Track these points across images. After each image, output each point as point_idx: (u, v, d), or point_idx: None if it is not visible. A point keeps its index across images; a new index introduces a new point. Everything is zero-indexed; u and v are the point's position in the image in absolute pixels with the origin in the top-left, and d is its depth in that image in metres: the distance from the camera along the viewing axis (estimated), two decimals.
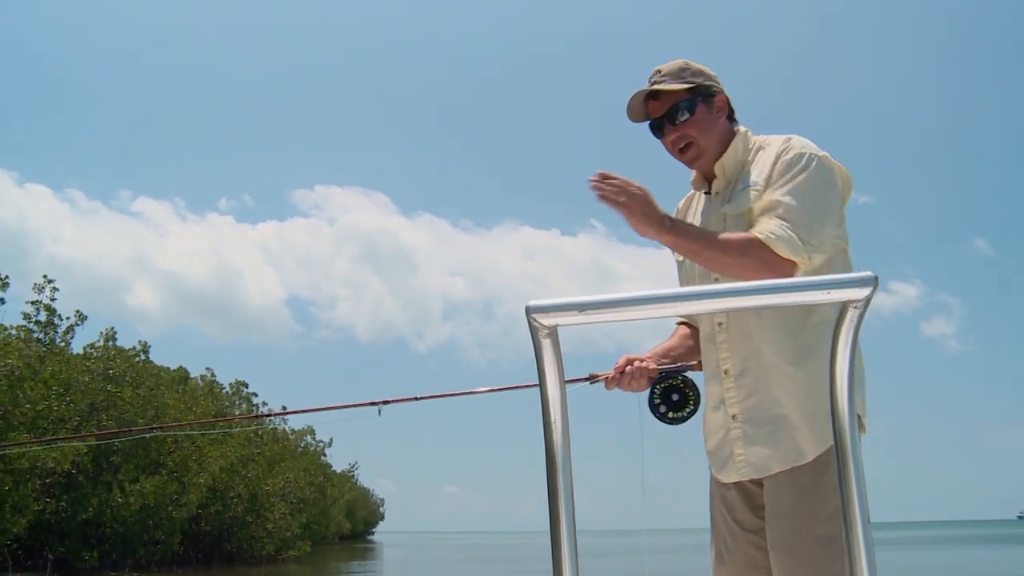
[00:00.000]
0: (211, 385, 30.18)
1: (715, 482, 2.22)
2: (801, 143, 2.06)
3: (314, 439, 41.79)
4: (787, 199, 1.97)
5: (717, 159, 2.15)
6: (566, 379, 0.96)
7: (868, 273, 0.89)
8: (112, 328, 23.58)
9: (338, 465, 53.12)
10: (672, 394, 2.13)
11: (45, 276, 21.12)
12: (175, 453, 22.87)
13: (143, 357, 24.72)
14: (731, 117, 2.19)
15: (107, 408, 20.61)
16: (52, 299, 21.04)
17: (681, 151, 2.16)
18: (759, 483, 2.08)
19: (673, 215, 2.26)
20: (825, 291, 0.91)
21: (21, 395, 17.70)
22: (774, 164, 2.04)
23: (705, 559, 2.31)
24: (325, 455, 44.14)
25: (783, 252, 1.91)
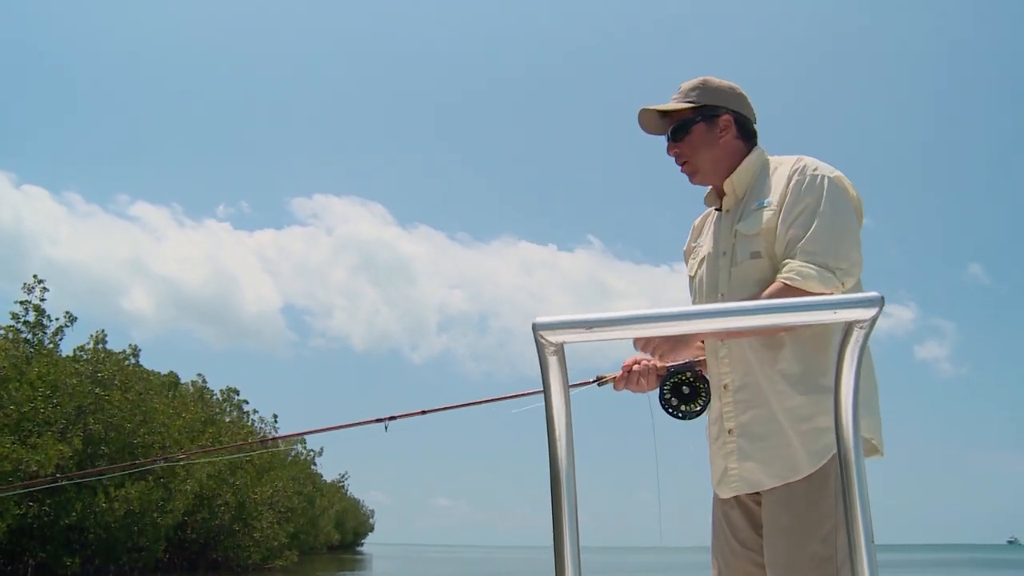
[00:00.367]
0: (201, 391, 29.87)
1: (717, 500, 2.22)
2: (814, 164, 2.06)
3: (305, 448, 41.42)
4: (806, 230, 1.96)
5: (724, 177, 2.18)
6: (572, 383, 0.96)
7: (874, 294, 0.89)
8: (102, 331, 23.32)
9: (328, 475, 52.77)
10: (682, 388, 2.08)
11: (35, 276, 20.80)
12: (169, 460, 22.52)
13: (133, 361, 24.45)
14: (747, 136, 2.20)
15: (95, 411, 20.32)
16: (42, 299, 20.76)
17: (681, 168, 2.22)
18: (759, 501, 2.08)
19: (689, 233, 2.38)
20: (832, 311, 0.91)
21: (6, 396, 17.43)
22: (787, 184, 2.04)
23: None
24: (316, 464, 43.79)
25: (816, 289, 1.90)
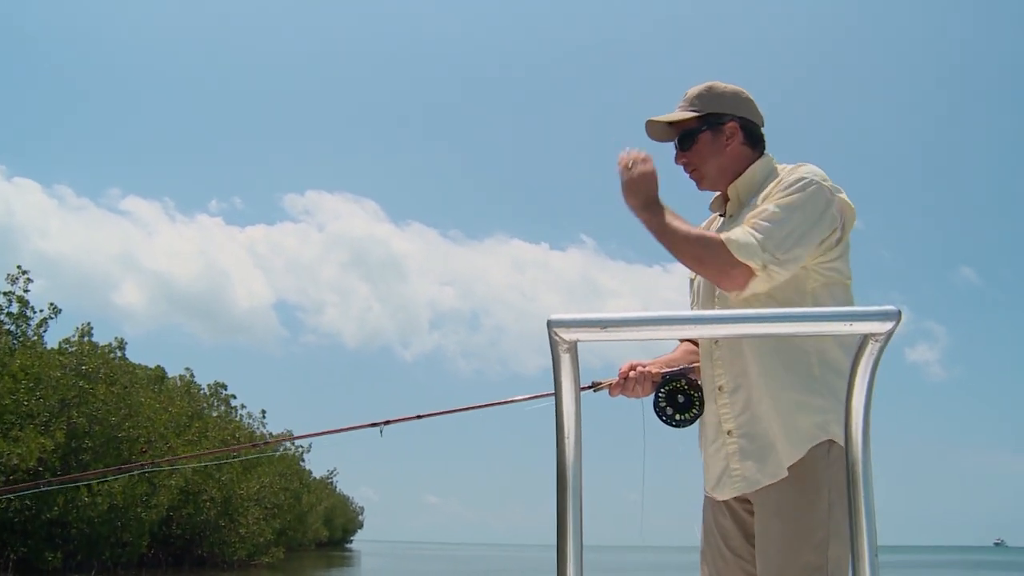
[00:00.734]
0: (188, 385, 29.62)
1: (709, 507, 2.22)
2: (809, 169, 2.08)
3: (292, 444, 41.16)
4: (767, 212, 2.00)
5: (729, 183, 2.21)
6: None
7: (891, 307, 0.89)
8: (88, 323, 23.08)
9: (317, 471, 52.53)
10: (678, 396, 2.13)
11: (19, 267, 20.58)
12: (147, 453, 22.32)
13: (119, 354, 24.21)
14: (755, 142, 2.23)
15: (79, 404, 20.08)
16: (26, 290, 20.51)
17: (690, 176, 2.26)
18: (751, 511, 2.09)
19: None
20: (847, 323, 0.92)
21: None
22: (775, 185, 2.09)
23: None
24: (303, 460, 43.55)
25: (736, 254, 1.94)
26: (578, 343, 0.92)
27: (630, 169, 2.09)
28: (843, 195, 2.08)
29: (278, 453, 37.79)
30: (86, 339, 22.71)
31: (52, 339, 21.88)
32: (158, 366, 27.32)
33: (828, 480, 1.95)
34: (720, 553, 2.16)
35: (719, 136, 2.19)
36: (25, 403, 18.52)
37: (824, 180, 2.06)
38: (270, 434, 37.07)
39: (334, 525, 63.72)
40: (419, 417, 2.89)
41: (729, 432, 2.11)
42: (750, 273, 1.95)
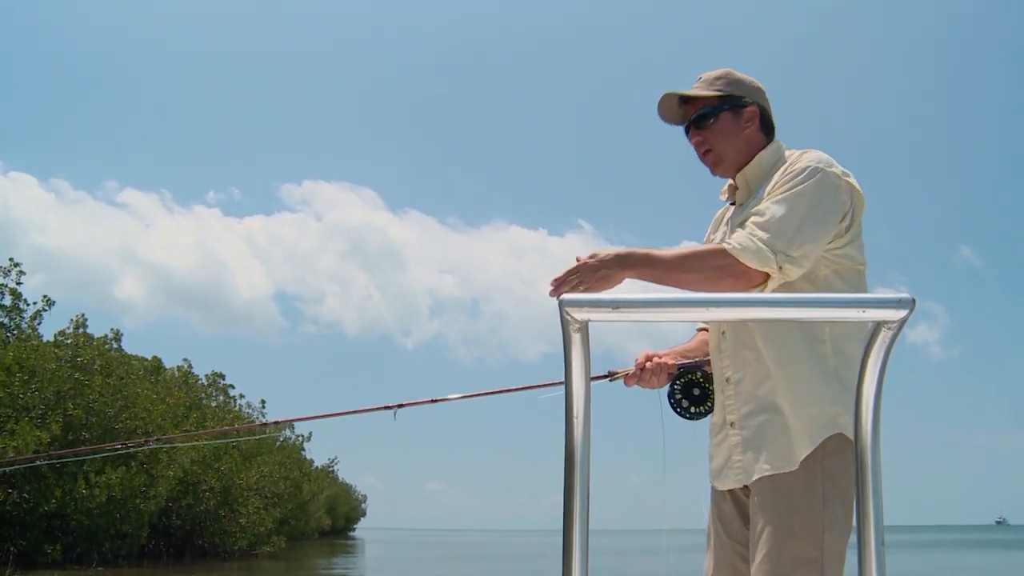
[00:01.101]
0: (186, 376, 29.49)
1: (713, 491, 2.23)
2: (814, 156, 2.04)
3: (293, 432, 41.11)
4: (774, 208, 1.96)
5: (740, 169, 2.18)
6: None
7: (905, 295, 0.89)
8: (82, 315, 22.96)
9: (319, 460, 52.53)
10: (693, 389, 2.14)
11: (11, 259, 20.39)
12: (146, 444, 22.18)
13: (115, 345, 24.08)
14: (768, 130, 2.20)
15: (74, 396, 19.96)
16: (18, 283, 20.34)
17: (703, 155, 2.20)
18: (750, 495, 2.09)
19: (709, 225, 2.38)
20: (860, 309, 0.91)
21: None
22: (782, 174, 2.04)
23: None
24: (304, 449, 43.48)
25: (749, 262, 1.90)
26: (589, 323, 0.91)
27: (582, 286, 1.90)
28: (851, 179, 2.03)
29: (279, 443, 37.73)
30: (81, 331, 22.59)
31: (50, 332, 21.79)
32: (155, 357, 27.18)
33: (824, 472, 1.94)
34: (719, 538, 2.18)
35: (739, 118, 2.17)
36: (20, 396, 18.39)
37: (830, 166, 2.01)
38: (269, 423, 36.97)
39: (337, 514, 63.83)
40: (434, 401, 2.86)
41: (732, 424, 2.11)
42: (766, 277, 1.92)
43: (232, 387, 32.68)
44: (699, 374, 2.16)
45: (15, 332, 20.36)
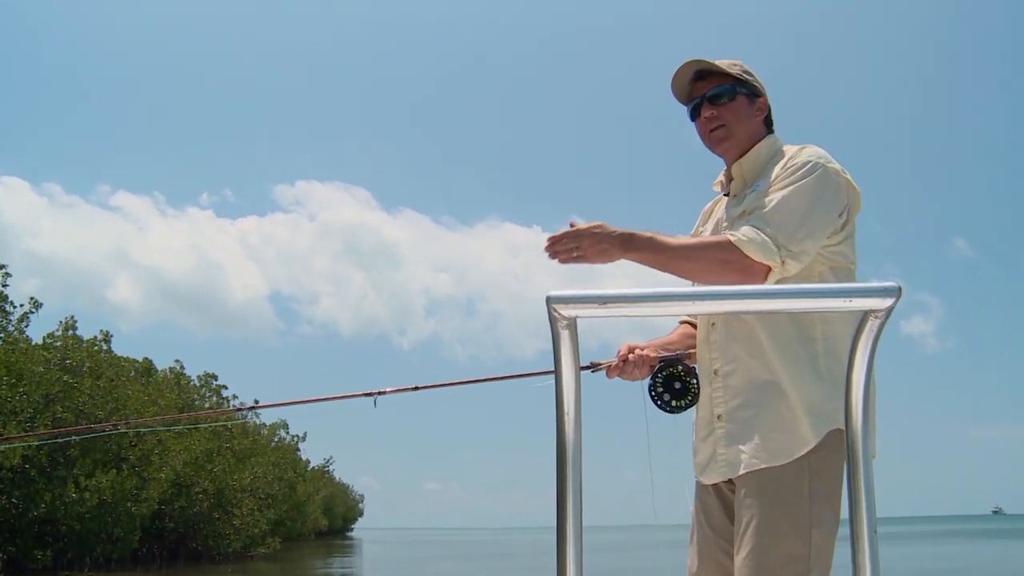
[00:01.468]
0: (178, 377, 29.23)
1: (697, 485, 2.22)
2: (813, 152, 2.05)
3: (287, 433, 40.90)
4: (776, 202, 1.96)
5: (742, 154, 2.17)
6: None
7: (891, 283, 0.89)
8: (72, 317, 22.69)
9: (314, 460, 52.32)
10: (674, 382, 2.13)
11: None
12: (137, 447, 21.99)
13: (105, 347, 23.80)
14: (769, 125, 2.22)
15: (63, 399, 19.70)
16: (4, 284, 20.04)
17: (712, 131, 2.17)
18: (734, 489, 2.07)
19: (698, 217, 2.38)
20: (846, 299, 0.91)
21: None
22: (781, 167, 2.04)
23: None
24: (300, 450, 43.22)
25: (754, 255, 1.89)
26: (577, 319, 0.91)
27: (576, 252, 1.91)
28: (848, 176, 2.04)
29: (273, 444, 37.48)
30: (70, 333, 22.32)
31: (40, 335, 21.52)
32: (145, 358, 26.91)
33: (811, 467, 1.93)
34: (703, 532, 2.16)
35: (752, 105, 2.18)
36: (8, 400, 18.11)
37: (829, 162, 2.02)
38: (264, 424, 36.77)
39: (334, 514, 63.67)
40: (416, 388, 2.84)
41: (719, 416, 2.09)
42: (768, 270, 1.91)
43: (225, 388, 32.45)
44: (680, 368, 2.14)
45: (1, 335, 20.07)
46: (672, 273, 1.96)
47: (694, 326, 2.31)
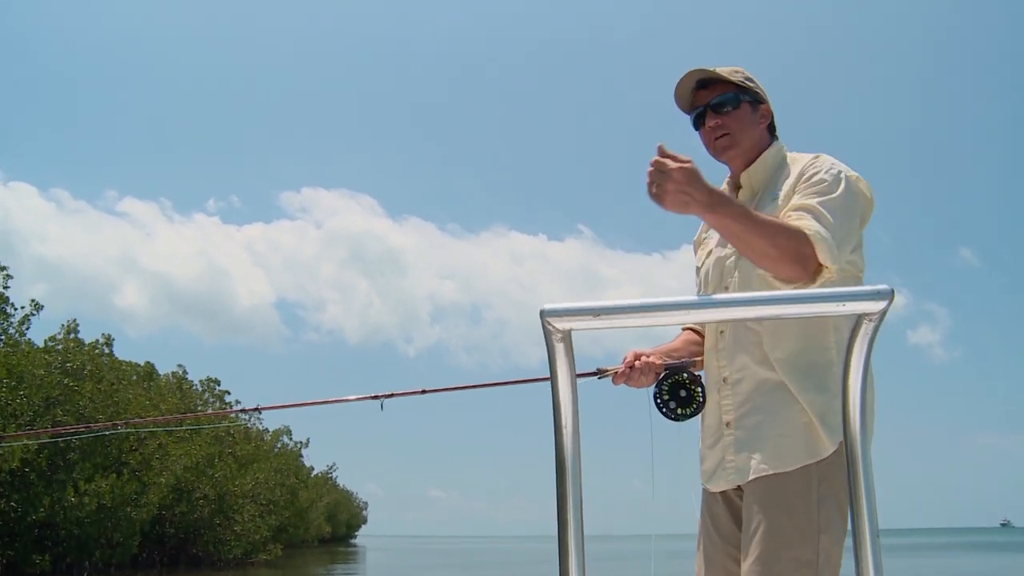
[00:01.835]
0: (180, 381, 29.15)
1: (704, 492, 2.21)
2: (833, 161, 2.04)
3: (291, 439, 40.77)
4: (822, 208, 1.92)
5: (747, 166, 2.15)
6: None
7: (884, 286, 0.90)
8: (74, 320, 22.66)
9: (318, 466, 52.18)
10: (679, 390, 2.11)
11: None
12: (138, 451, 21.88)
13: (107, 351, 23.73)
14: (772, 132, 2.21)
15: (64, 403, 19.61)
16: (5, 286, 19.98)
17: (716, 140, 2.16)
18: (742, 496, 2.06)
19: (701, 224, 2.34)
20: (839, 303, 0.92)
21: None
22: (799, 177, 2.02)
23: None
24: (303, 456, 43.08)
25: (822, 253, 1.85)
26: (572, 332, 0.92)
27: (654, 188, 1.76)
28: (864, 184, 2.04)
29: (276, 450, 37.34)
30: (72, 336, 22.26)
31: (44, 338, 21.47)
32: (147, 362, 26.87)
33: (819, 473, 1.92)
34: (710, 539, 2.15)
35: (756, 112, 2.17)
36: (8, 403, 18.03)
37: (849, 171, 2.02)
38: (266, 430, 36.65)
39: (337, 521, 63.51)
40: (423, 392, 2.82)
41: (728, 424, 2.08)
42: (823, 272, 1.87)
43: (228, 393, 32.36)
44: (685, 375, 2.12)
45: (2, 337, 20.00)
46: (738, 245, 1.93)
47: (697, 333, 2.30)
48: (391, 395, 2.81)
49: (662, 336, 2.41)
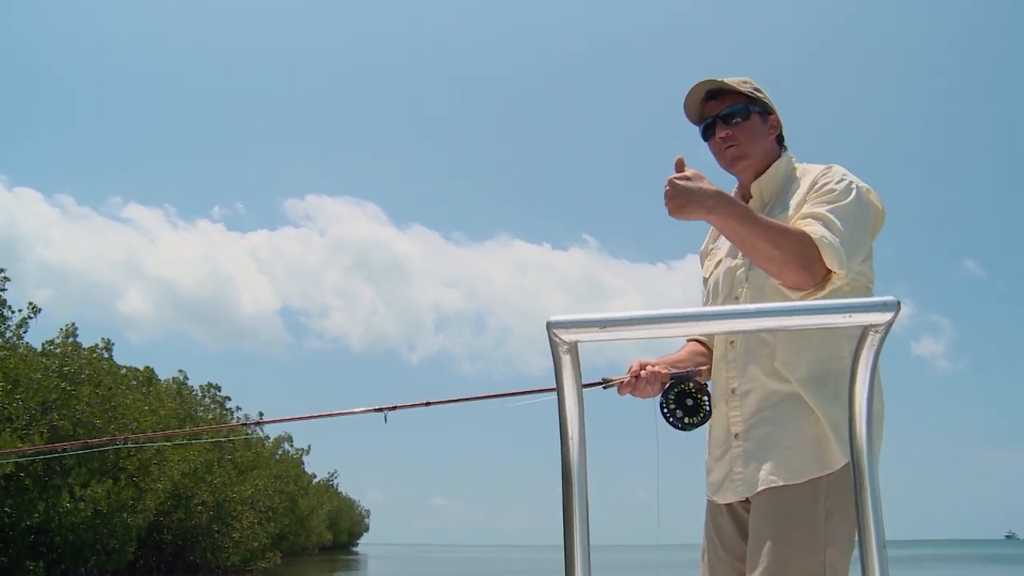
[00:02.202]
0: (180, 387, 28.93)
1: (710, 504, 2.21)
2: (843, 172, 2.04)
3: (291, 446, 40.51)
4: (831, 216, 1.93)
5: (757, 176, 2.16)
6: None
7: (890, 298, 0.90)
8: (72, 324, 22.46)
9: (320, 473, 51.92)
10: (686, 399, 2.10)
11: None
12: (135, 456, 21.66)
13: (106, 355, 23.53)
14: (780, 142, 2.22)
15: (60, 407, 19.41)
16: (2, 288, 19.79)
17: (727, 150, 2.16)
18: (748, 509, 2.05)
19: (706, 236, 2.38)
20: (846, 315, 0.92)
21: None
22: (811, 187, 2.03)
23: None
24: (304, 463, 42.80)
25: (829, 258, 1.86)
26: (578, 343, 0.92)
27: (668, 203, 1.89)
28: (875, 195, 2.04)
29: (277, 457, 37.07)
30: (71, 340, 22.06)
31: (35, 340, 21.28)
32: (147, 367, 26.66)
33: (828, 486, 1.91)
34: (715, 552, 2.14)
35: (765, 123, 2.18)
36: (4, 406, 17.83)
37: (860, 183, 2.03)
38: (267, 437, 36.40)
39: (339, 528, 63.17)
40: (427, 404, 2.80)
41: (736, 435, 2.08)
42: (830, 277, 1.88)
43: (229, 399, 32.14)
44: (692, 385, 2.11)
45: None
46: (742, 247, 1.96)
47: (702, 344, 2.30)
48: (395, 407, 2.78)
49: (666, 347, 2.42)
